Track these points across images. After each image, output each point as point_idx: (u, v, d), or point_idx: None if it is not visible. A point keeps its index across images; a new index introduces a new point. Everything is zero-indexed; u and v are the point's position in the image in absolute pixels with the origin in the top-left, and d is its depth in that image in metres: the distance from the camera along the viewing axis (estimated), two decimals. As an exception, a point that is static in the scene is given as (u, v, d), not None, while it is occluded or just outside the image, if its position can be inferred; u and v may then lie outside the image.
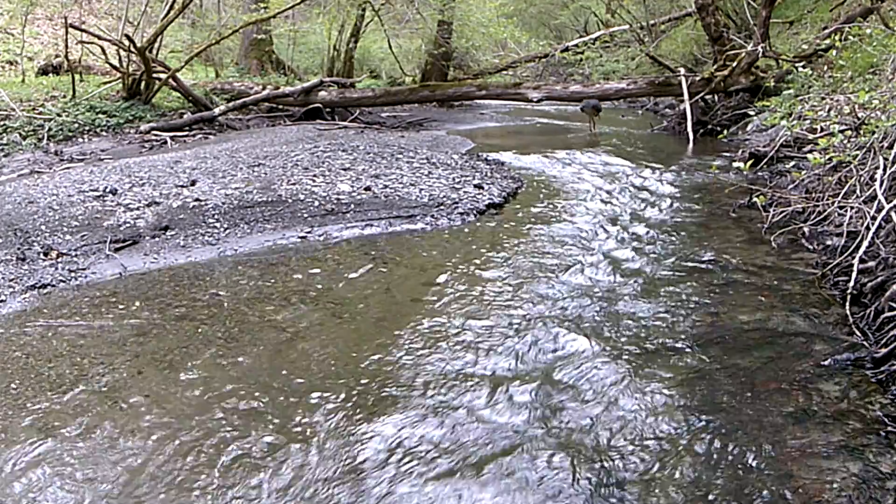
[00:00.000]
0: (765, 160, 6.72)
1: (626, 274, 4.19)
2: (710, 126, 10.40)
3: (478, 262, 4.46)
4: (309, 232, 5.11)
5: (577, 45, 18.35)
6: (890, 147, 4.38)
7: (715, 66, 10.86)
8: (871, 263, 3.70)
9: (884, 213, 3.77)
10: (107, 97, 10.52)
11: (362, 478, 2.29)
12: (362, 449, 2.45)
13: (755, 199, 5.20)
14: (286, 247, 4.84)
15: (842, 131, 5.12)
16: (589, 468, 2.33)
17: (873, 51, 7.34)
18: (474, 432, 2.54)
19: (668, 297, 3.80)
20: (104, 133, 9.53)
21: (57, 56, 12.16)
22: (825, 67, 8.93)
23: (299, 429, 2.57)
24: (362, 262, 4.49)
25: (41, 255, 4.44)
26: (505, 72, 17.81)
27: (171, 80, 10.81)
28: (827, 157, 4.75)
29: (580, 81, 14.58)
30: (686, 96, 10.35)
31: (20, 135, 8.55)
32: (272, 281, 4.14)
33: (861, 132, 4.95)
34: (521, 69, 18.51)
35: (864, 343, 3.12)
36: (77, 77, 10.41)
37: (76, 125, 9.33)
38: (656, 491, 2.22)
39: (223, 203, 5.48)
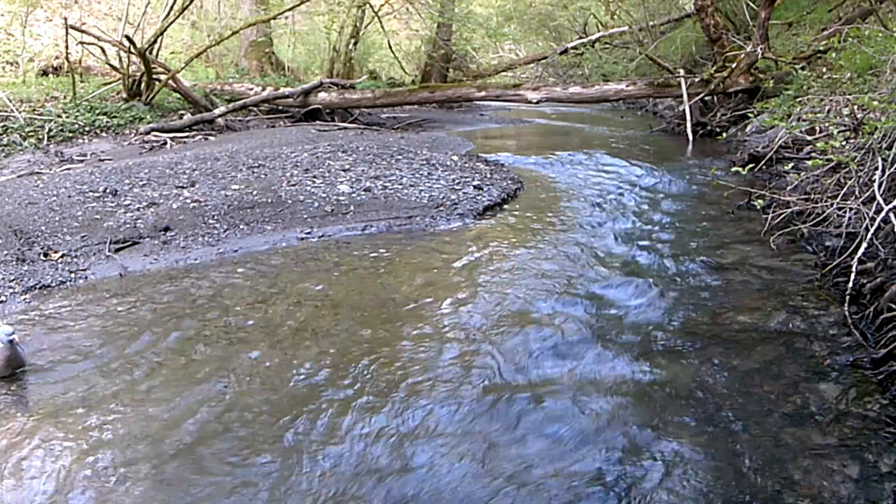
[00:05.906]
0: (764, 161, 6.73)
1: (625, 275, 4.20)
2: (709, 127, 10.41)
3: (477, 263, 4.47)
4: (309, 233, 5.12)
5: (576, 47, 18.36)
6: (888, 148, 4.39)
7: (714, 68, 10.85)
8: (870, 264, 3.71)
9: (882, 214, 3.78)
10: (107, 98, 10.53)
11: (363, 477, 2.30)
12: (362, 448, 2.45)
13: (754, 200, 5.20)
14: (286, 248, 4.84)
15: (840, 132, 5.13)
16: (588, 468, 2.33)
17: (872, 52, 7.34)
18: (473, 435, 2.55)
19: (667, 297, 3.81)
20: (104, 134, 9.52)
21: (57, 57, 12.16)
22: (824, 69, 8.93)
23: (300, 428, 2.58)
24: (362, 263, 4.50)
25: (41, 256, 4.44)
26: (504, 73, 17.83)
27: (171, 81, 10.82)
28: (826, 158, 4.76)
29: (580, 83, 14.56)
30: (685, 97, 10.36)
31: (20, 135, 8.54)
32: (272, 281, 4.14)
33: (860, 133, 4.96)
34: (521, 70, 18.53)
35: (864, 344, 3.13)
36: (77, 78, 10.42)
37: (76, 126, 9.33)
38: (656, 490, 2.22)
39: (223, 204, 5.49)
